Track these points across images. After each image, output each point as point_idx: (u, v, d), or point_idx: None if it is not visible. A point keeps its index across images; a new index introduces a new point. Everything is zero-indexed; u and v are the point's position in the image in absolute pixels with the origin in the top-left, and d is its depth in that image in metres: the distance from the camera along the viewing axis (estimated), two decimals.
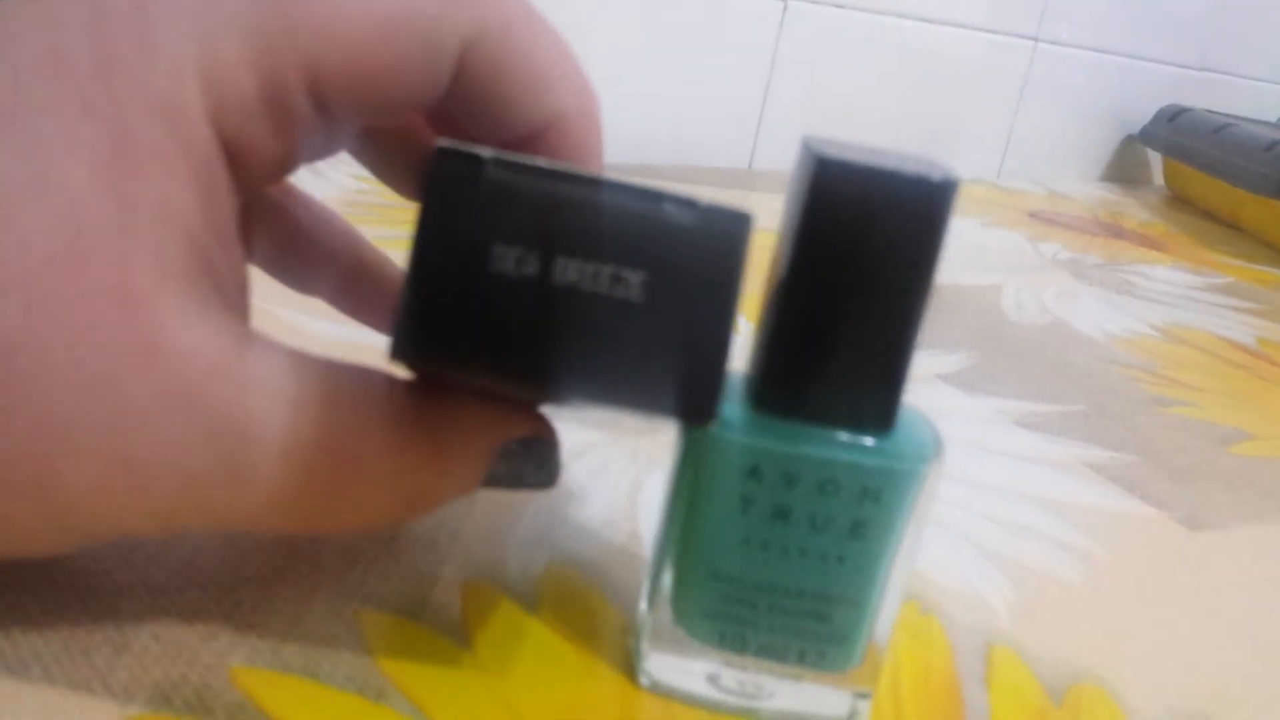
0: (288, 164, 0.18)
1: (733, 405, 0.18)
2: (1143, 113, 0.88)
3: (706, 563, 0.19)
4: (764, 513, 0.18)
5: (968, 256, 0.58)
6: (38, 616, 0.18)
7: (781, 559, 0.18)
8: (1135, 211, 0.79)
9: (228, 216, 0.17)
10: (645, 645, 0.20)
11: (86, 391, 0.15)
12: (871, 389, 0.18)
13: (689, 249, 0.15)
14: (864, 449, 0.18)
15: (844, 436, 0.18)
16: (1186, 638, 0.25)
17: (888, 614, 0.19)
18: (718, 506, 0.18)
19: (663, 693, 0.20)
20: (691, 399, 0.16)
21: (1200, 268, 0.65)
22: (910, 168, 0.17)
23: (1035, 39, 0.81)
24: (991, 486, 0.31)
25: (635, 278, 0.15)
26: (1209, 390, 0.43)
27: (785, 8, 0.67)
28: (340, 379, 0.17)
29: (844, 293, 0.17)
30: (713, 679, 0.19)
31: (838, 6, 0.70)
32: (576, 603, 0.22)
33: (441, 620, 0.20)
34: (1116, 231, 0.72)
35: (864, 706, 0.20)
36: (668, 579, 0.19)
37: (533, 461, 0.19)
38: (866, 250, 0.17)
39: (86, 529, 0.16)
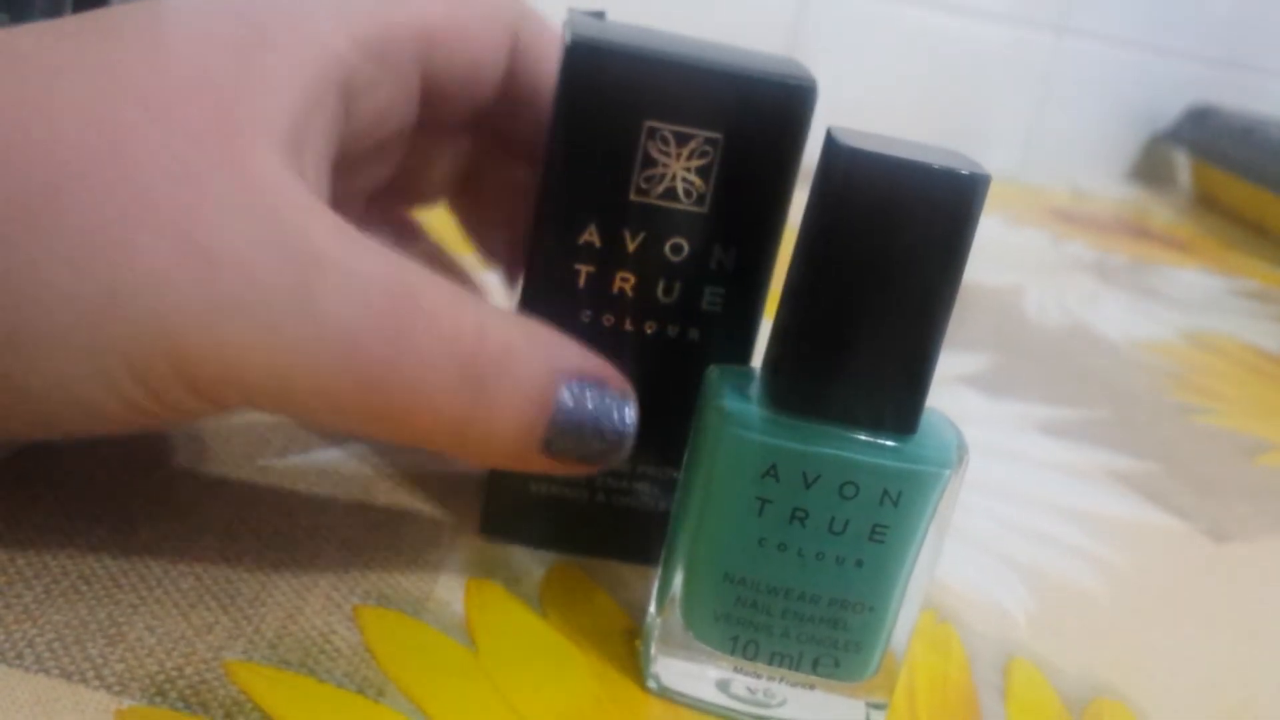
0: (385, 122, 0.21)
1: (749, 403, 0.18)
2: (1169, 110, 0.86)
3: (719, 565, 0.18)
4: (780, 514, 0.17)
5: (989, 254, 0.57)
6: (31, 604, 0.18)
7: (798, 562, 0.18)
8: (1160, 212, 0.78)
9: (327, 139, 0.19)
10: (654, 649, 0.19)
11: (168, 173, 0.16)
12: (894, 389, 0.17)
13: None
14: (885, 450, 0.17)
15: (865, 437, 0.17)
16: (1210, 652, 0.24)
17: (905, 622, 0.19)
18: (732, 507, 0.18)
19: (670, 698, 0.19)
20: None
21: (1227, 271, 0.64)
22: (939, 161, 0.16)
23: (1060, 32, 0.80)
24: (1012, 493, 0.30)
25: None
26: (1235, 398, 0.42)
27: None
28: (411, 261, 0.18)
29: (869, 288, 0.17)
30: (723, 685, 0.19)
31: None
32: (582, 603, 0.21)
33: (443, 618, 0.20)
34: (1141, 232, 0.71)
35: (879, 717, 0.19)
36: (678, 581, 0.19)
37: (601, 413, 0.18)
38: (893, 245, 0.16)
39: (144, 308, 0.16)
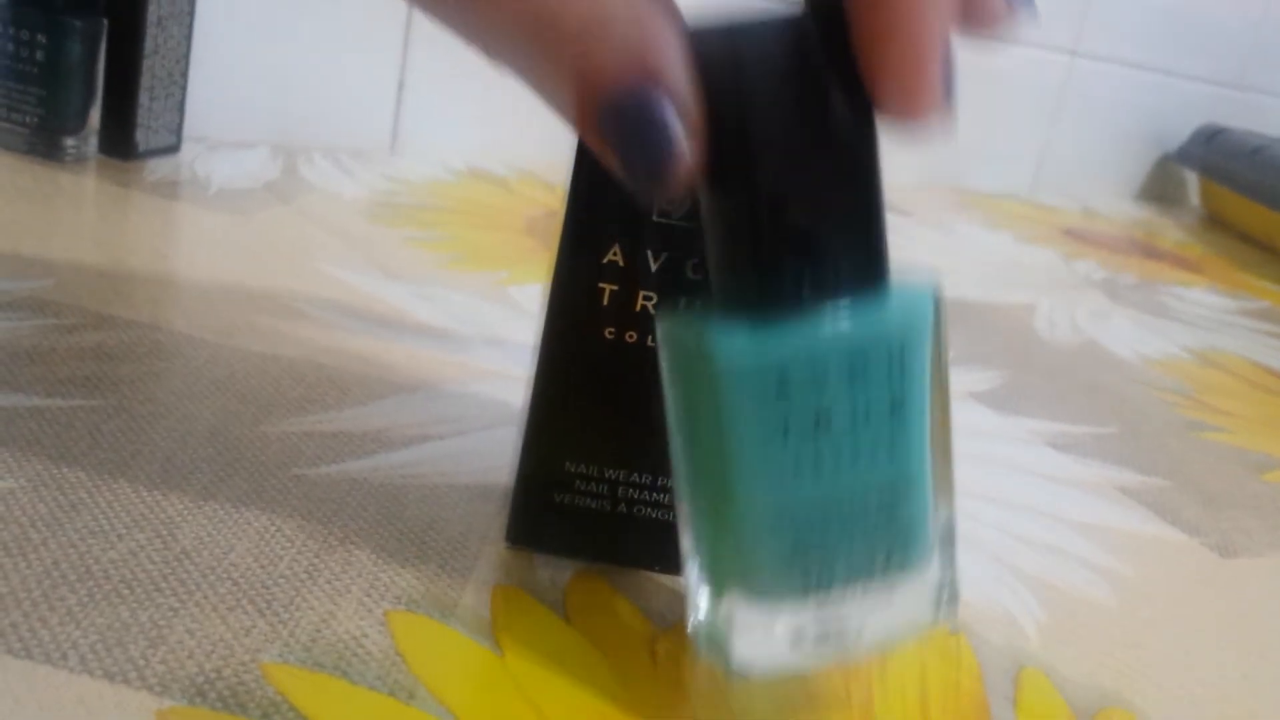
0: None
1: (728, 335, 0.17)
2: (1180, 131, 0.87)
3: (766, 509, 0.17)
4: (804, 427, 0.17)
5: (1001, 273, 0.58)
6: (74, 607, 0.19)
7: (834, 470, 0.17)
8: (1170, 232, 0.79)
9: None
10: (726, 634, 0.18)
11: None
12: (853, 247, 0.17)
13: None
14: (872, 308, 0.17)
15: (846, 304, 0.17)
16: (1217, 665, 0.25)
17: (945, 483, 0.18)
18: (758, 444, 0.17)
19: (756, 677, 0.18)
20: None
21: (1235, 291, 0.64)
22: (769, 15, 0.16)
23: (1073, 53, 0.81)
24: (1022, 507, 0.30)
25: None
26: (1242, 416, 0.42)
27: None
28: None
29: (770, 158, 0.16)
30: (797, 640, 0.18)
31: None
32: (604, 610, 0.22)
33: (471, 623, 0.20)
34: (1151, 252, 0.71)
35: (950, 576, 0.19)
36: (730, 556, 0.18)
37: (645, 143, 0.16)
38: (772, 104, 0.16)
39: None
